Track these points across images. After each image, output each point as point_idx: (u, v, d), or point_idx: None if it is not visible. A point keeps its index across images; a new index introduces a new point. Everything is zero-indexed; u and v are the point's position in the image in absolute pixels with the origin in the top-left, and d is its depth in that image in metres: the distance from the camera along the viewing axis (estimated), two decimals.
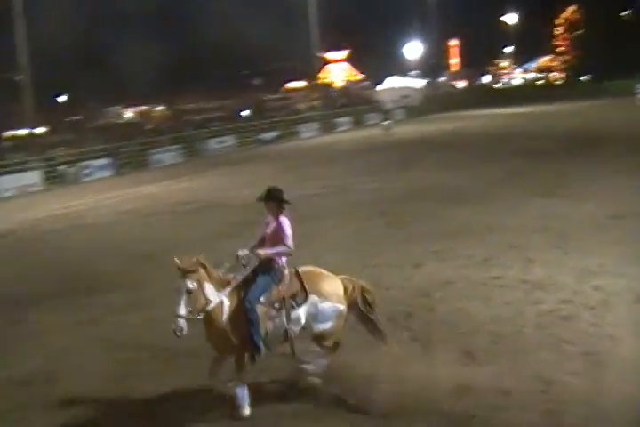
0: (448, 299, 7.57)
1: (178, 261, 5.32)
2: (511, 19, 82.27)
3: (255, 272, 5.55)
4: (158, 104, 77.66)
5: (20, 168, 28.40)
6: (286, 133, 40.30)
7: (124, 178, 27.76)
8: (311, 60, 50.28)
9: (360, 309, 5.78)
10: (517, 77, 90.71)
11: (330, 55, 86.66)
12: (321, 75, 57.56)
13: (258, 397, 5.46)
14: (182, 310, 5.18)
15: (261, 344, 5.36)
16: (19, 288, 10.59)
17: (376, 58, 79.29)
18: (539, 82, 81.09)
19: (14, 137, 49.65)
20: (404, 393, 5.42)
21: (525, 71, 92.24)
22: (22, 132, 43.16)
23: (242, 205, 15.88)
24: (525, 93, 59.74)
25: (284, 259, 5.67)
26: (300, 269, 5.70)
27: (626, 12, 69.92)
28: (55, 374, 6.61)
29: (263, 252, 5.53)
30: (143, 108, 78.01)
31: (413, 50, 72.60)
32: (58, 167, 29.49)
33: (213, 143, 35.53)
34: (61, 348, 7.39)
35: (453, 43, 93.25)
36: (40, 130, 43.92)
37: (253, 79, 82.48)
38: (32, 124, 34.02)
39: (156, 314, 8.20)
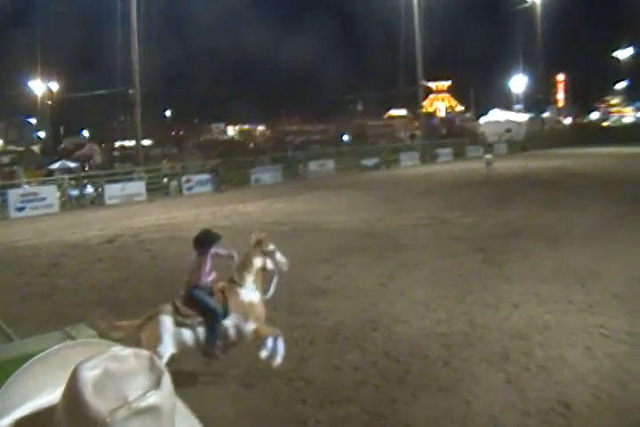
0: (547, 344, 7.24)
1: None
2: (624, 54, 79.97)
3: None
4: (260, 124, 79.49)
5: (127, 177, 29.72)
6: (387, 161, 40.40)
7: (223, 194, 28.48)
8: (415, 89, 50.42)
9: None
10: (628, 115, 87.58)
11: (433, 85, 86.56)
12: (424, 104, 57.40)
13: None
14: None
15: None
16: (117, 294, 10.97)
17: (478, 90, 78.62)
18: None
19: (123, 147, 51.93)
20: None
21: (638, 109, 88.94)
22: (130, 143, 45.16)
23: (337, 231, 15.92)
24: (637, 133, 57.25)
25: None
26: None
27: None
28: None
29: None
30: (245, 126, 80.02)
31: (518, 83, 71.57)
32: (161, 179, 30.69)
33: (313, 166, 36.01)
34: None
35: (560, 77, 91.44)
36: (147, 142, 45.81)
37: (356, 104, 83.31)
38: (140, 136, 35.55)
39: None
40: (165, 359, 5.89)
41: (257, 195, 26.71)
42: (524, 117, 65.93)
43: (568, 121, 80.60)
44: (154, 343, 5.93)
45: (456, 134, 58.36)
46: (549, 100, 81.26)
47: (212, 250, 6.64)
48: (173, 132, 65.80)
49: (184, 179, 30.33)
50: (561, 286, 9.76)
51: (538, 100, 68.20)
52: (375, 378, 6.61)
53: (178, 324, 6.17)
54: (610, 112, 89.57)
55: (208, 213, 21.57)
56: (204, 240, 6.63)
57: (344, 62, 64.75)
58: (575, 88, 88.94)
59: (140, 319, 6.20)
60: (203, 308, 6.34)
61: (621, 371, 6.43)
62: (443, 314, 8.65)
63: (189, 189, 29.90)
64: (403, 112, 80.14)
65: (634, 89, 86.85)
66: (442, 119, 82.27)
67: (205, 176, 30.93)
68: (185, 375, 6.58)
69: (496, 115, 66.60)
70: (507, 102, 74.23)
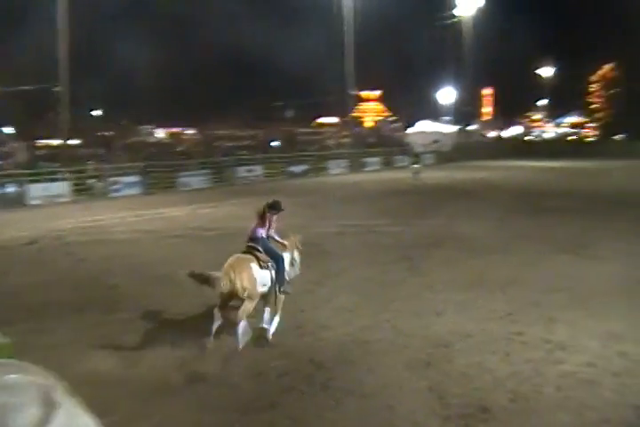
0: (468, 351, 7.45)
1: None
2: (546, 72, 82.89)
3: None
4: (189, 127, 78.44)
5: (51, 178, 28.82)
6: (315, 168, 40.62)
7: (150, 197, 28.04)
8: (344, 97, 50.83)
9: None
10: (549, 131, 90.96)
11: (363, 93, 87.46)
12: (353, 112, 57.95)
13: None
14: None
15: None
16: (37, 297, 10.64)
17: (408, 100, 79.95)
18: (570, 137, 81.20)
19: (48, 146, 50.28)
20: None
21: (558, 125, 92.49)
22: (55, 142, 43.76)
23: None
24: (556, 148, 59.76)
25: None
26: None
27: None
28: None
29: None
30: (174, 129, 78.85)
31: (446, 95, 73.08)
32: (87, 180, 29.89)
33: (242, 171, 35.81)
34: (76, 360, 7.27)
35: (487, 91, 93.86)
36: (73, 142, 44.44)
37: (286, 111, 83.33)
38: (66, 135, 34.51)
39: (177, 337, 8.09)
40: (257, 298, 7.85)
41: (184, 199, 26.40)
42: (452, 129, 67.30)
43: (493, 134, 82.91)
44: (252, 285, 7.66)
45: (384, 144, 59.09)
46: (476, 114, 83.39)
47: (274, 218, 8.71)
48: (101, 133, 64.18)
49: (110, 180, 29.70)
50: (482, 294, 10.05)
51: (465, 112, 69.88)
52: (300, 384, 6.64)
53: (262, 267, 7.95)
54: (532, 127, 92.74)
55: (133, 216, 21.19)
56: (272, 206, 8.69)
57: (275, 68, 64.69)
58: (501, 103, 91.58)
59: (226, 269, 7.55)
60: (270, 253, 8.23)
61: (537, 375, 6.69)
62: (367, 321, 8.76)
63: (115, 191, 29.30)
64: (332, 120, 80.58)
65: (554, 106, 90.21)
66: (370, 128, 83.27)
67: (132, 178, 30.35)
68: (107, 380, 6.45)
69: (423, 125, 67.70)
70: (436, 114, 75.71)
